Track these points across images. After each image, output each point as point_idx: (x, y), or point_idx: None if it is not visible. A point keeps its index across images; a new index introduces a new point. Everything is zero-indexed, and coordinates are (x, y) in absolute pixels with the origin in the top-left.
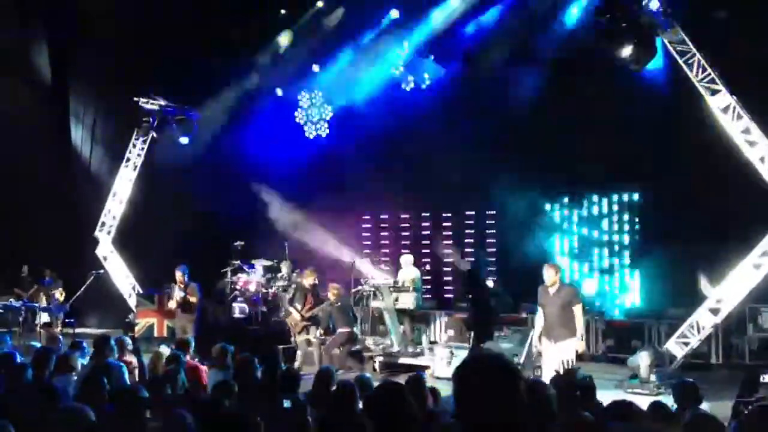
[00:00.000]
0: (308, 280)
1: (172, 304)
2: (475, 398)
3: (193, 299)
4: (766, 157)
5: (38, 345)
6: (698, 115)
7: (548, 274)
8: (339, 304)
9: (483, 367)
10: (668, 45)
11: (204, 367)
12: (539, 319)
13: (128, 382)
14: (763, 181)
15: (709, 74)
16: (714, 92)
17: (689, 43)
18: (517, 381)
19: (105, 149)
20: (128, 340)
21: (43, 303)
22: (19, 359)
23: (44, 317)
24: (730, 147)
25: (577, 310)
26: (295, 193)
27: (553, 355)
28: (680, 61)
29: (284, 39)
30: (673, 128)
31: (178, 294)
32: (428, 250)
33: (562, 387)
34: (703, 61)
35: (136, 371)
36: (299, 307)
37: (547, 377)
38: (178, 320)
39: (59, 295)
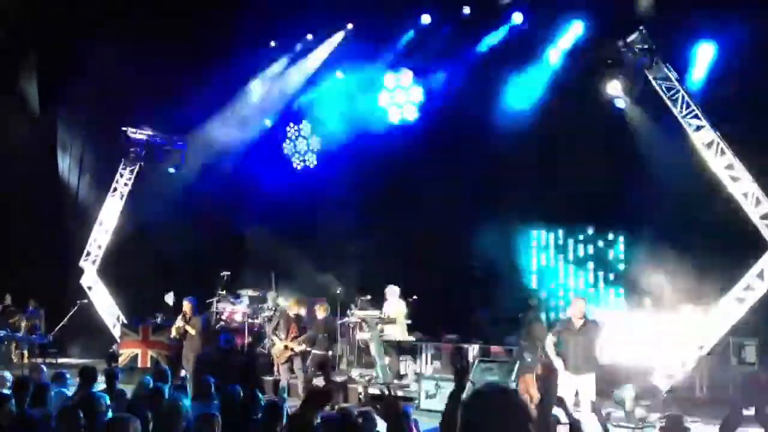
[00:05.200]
0: (292, 309)
1: (172, 333)
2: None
3: (192, 330)
4: (750, 193)
5: (9, 375)
6: (682, 149)
7: (577, 308)
8: (324, 323)
9: (495, 399)
10: (653, 81)
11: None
12: (550, 346)
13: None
14: (747, 215)
15: (693, 110)
16: (698, 128)
17: (673, 79)
18: (527, 414)
19: (92, 179)
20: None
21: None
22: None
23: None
24: (714, 182)
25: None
26: (281, 223)
27: (571, 386)
28: (664, 97)
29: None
30: (656, 162)
31: (179, 323)
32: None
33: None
34: (687, 97)
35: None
36: (283, 336)
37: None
38: (184, 350)
39: (24, 324)
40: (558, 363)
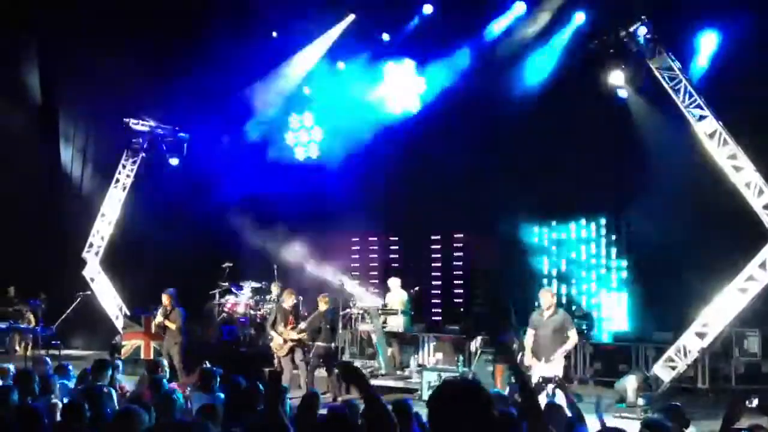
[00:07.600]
0: (288, 301)
1: (152, 329)
2: (450, 424)
3: (171, 325)
4: (753, 183)
5: (12, 368)
6: (685, 139)
7: (545, 299)
8: (327, 315)
9: (455, 393)
10: (655, 71)
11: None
12: (528, 339)
13: (116, 407)
14: (749, 206)
15: (696, 100)
16: (700, 117)
17: (676, 69)
18: (489, 405)
19: (95, 170)
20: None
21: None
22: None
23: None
24: (717, 172)
25: (572, 334)
26: (284, 214)
27: (542, 372)
28: (667, 87)
29: None
30: (659, 153)
31: (158, 319)
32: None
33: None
34: (690, 87)
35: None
36: (281, 329)
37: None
38: (165, 342)
39: (28, 316)
40: (528, 353)
